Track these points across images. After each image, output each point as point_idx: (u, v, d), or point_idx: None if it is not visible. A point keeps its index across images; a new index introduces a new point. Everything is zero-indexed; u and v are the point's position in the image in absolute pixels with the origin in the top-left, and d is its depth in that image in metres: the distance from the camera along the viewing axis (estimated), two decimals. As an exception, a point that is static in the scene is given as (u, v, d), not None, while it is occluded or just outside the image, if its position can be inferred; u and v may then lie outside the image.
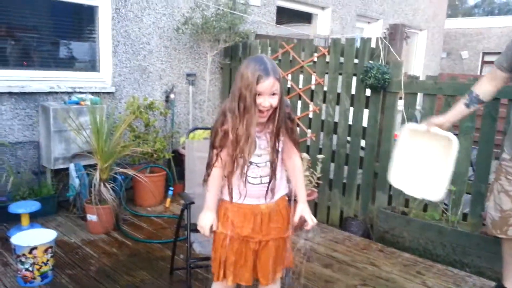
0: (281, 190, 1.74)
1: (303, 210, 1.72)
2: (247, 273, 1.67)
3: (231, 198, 1.67)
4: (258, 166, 1.63)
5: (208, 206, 1.70)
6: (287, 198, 1.78)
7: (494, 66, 2.20)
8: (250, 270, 1.67)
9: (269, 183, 1.65)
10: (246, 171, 1.61)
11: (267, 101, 1.54)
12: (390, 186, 3.56)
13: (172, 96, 4.34)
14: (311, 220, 1.71)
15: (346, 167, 3.72)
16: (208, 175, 1.68)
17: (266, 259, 1.68)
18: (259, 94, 1.53)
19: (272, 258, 1.68)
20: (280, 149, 1.67)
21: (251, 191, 1.65)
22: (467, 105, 2.20)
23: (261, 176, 1.64)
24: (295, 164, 1.77)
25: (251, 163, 1.62)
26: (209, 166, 1.67)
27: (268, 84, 1.52)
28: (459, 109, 2.24)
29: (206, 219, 1.68)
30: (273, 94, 1.55)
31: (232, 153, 1.59)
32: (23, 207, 2.94)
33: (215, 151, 1.64)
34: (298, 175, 1.79)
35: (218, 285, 1.75)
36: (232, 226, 1.65)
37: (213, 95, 4.77)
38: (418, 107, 3.64)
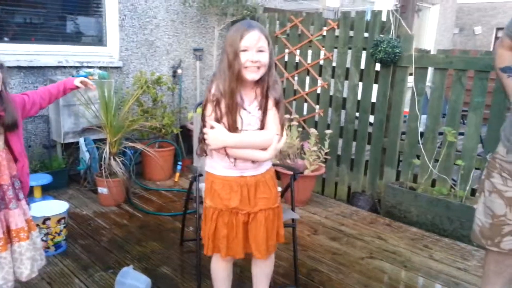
0: (267, 162, 1.70)
1: None
2: (238, 246, 1.66)
3: (216, 170, 1.65)
4: None
5: None
6: (273, 170, 1.75)
7: (504, 36, 1.87)
8: (241, 243, 1.66)
9: None
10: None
11: (255, 56, 1.47)
12: (399, 161, 3.57)
13: (179, 71, 4.32)
14: None
15: (354, 143, 3.71)
16: (200, 149, 1.66)
17: (257, 231, 1.66)
18: (244, 50, 1.47)
19: (263, 230, 1.66)
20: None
21: (236, 163, 1.61)
22: None
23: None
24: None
25: None
26: (200, 140, 1.65)
27: (253, 37, 1.46)
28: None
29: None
30: (261, 51, 1.49)
31: (217, 115, 1.54)
32: (35, 180, 2.99)
33: (204, 120, 1.61)
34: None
35: (216, 259, 1.77)
36: (220, 199, 1.63)
37: (221, 70, 4.73)
38: (428, 83, 3.59)
